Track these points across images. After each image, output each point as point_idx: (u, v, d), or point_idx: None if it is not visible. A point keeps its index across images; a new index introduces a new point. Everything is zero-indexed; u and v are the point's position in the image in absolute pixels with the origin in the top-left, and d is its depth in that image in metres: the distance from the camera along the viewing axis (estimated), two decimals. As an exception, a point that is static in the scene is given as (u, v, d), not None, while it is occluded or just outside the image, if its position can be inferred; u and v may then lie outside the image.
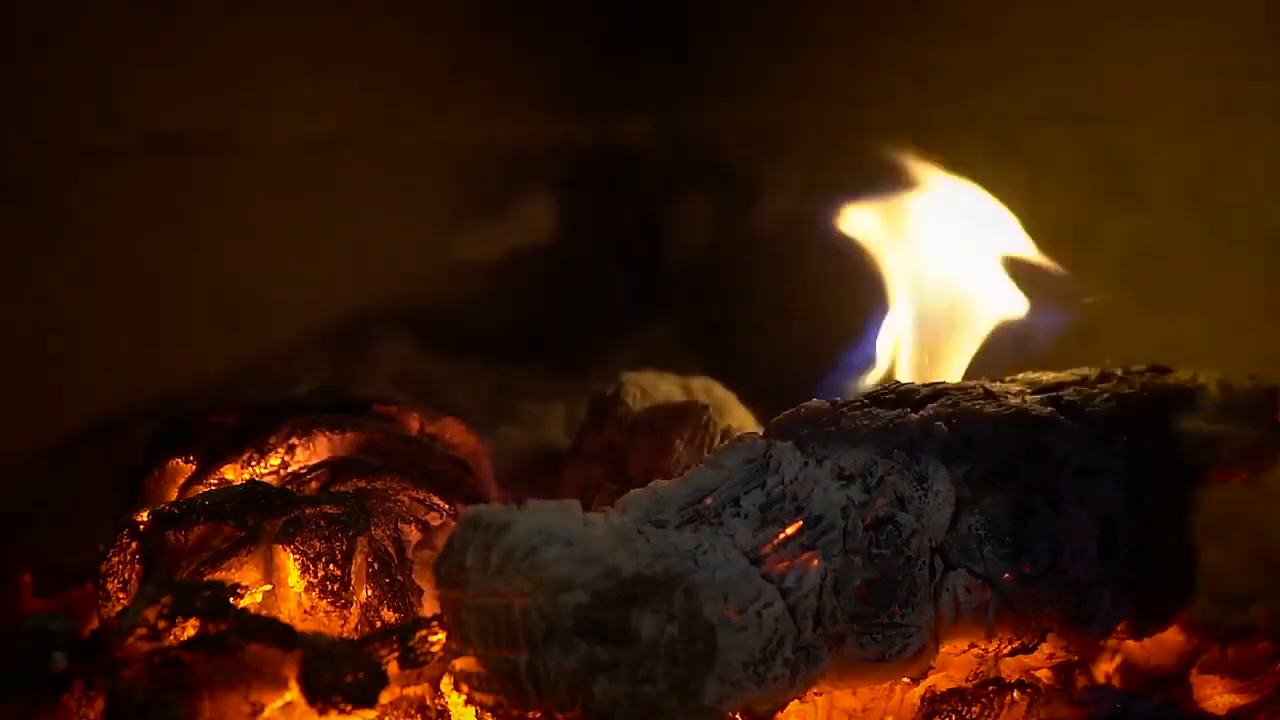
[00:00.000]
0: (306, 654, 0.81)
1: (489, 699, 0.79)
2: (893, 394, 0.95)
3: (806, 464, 0.88)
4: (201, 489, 1.03)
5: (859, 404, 0.94)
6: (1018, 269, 1.18)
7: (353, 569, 0.95)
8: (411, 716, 0.89)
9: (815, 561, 0.83)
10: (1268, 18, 1.37)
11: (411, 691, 0.88)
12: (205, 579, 0.92)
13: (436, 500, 1.03)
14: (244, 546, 0.94)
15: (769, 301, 1.73)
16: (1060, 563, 0.90)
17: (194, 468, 1.05)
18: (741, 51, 1.76)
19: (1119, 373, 0.99)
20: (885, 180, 1.23)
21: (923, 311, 1.17)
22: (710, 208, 1.84)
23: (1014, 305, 1.16)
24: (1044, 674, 0.97)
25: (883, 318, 1.17)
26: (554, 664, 0.76)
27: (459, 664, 0.80)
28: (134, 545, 0.96)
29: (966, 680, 0.94)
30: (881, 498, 0.87)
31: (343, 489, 1.01)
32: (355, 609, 0.95)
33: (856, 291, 1.22)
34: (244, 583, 0.93)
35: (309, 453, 1.05)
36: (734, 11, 1.76)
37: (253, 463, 1.04)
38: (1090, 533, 0.91)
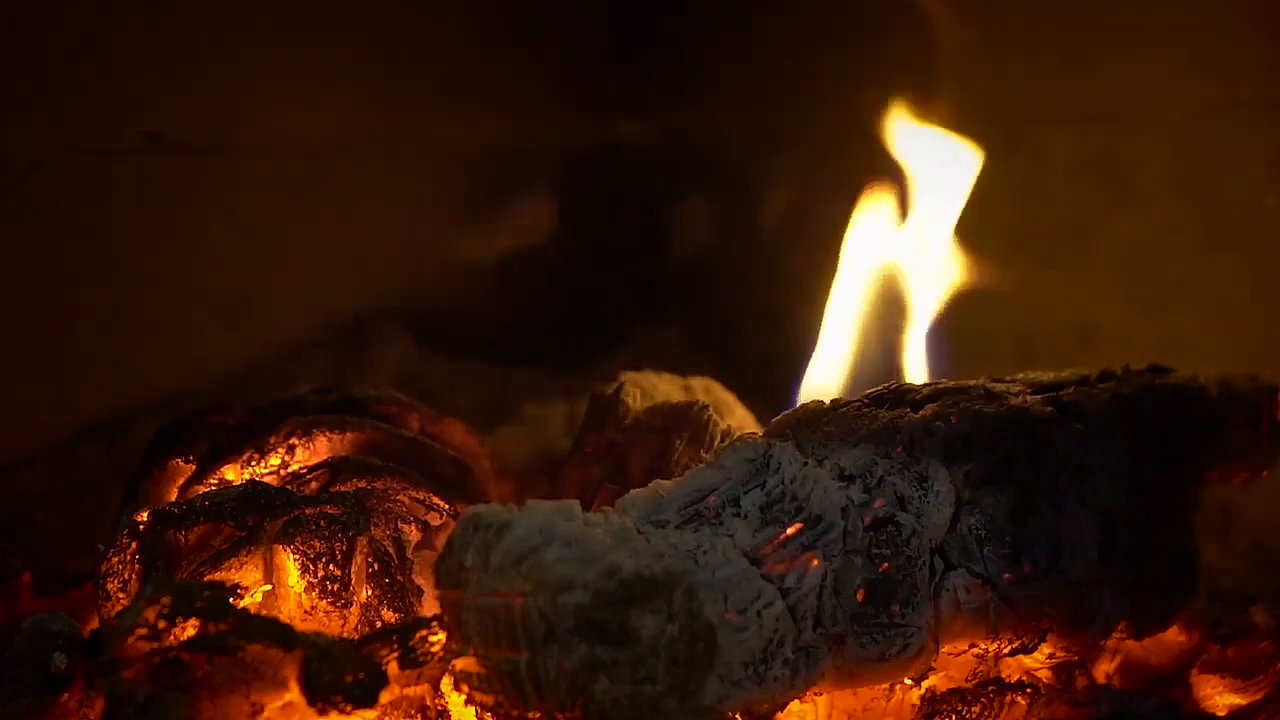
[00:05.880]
0: (306, 654, 0.81)
1: (489, 699, 0.79)
2: (892, 394, 0.95)
3: (806, 464, 0.88)
4: (201, 489, 1.03)
5: (859, 404, 0.94)
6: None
7: (353, 569, 0.95)
8: (411, 716, 0.89)
9: (815, 561, 0.83)
10: (1267, 17, 1.37)
11: (411, 691, 0.88)
12: (205, 579, 0.92)
13: (436, 500, 1.03)
14: (244, 546, 0.94)
15: (769, 301, 1.73)
16: (1060, 562, 0.90)
17: (194, 468, 1.05)
18: (741, 51, 1.76)
19: (1119, 373, 0.99)
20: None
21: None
22: (710, 208, 1.84)
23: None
24: (1044, 674, 0.97)
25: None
26: (554, 664, 0.76)
27: (459, 664, 0.80)
28: (134, 545, 0.96)
29: (966, 680, 0.94)
30: (881, 498, 0.87)
31: (343, 489, 1.01)
32: (355, 609, 0.95)
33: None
34: (244, 583, 0.93)
35: (309, 453, 1.05)
36: (735, 12, 1.76)
37: (253, 463, 1.04)
38: (1090, 533, 0.91)
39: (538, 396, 1.64)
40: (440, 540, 1.00)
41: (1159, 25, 1.43)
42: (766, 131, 1.74)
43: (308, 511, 0.96)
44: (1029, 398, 0.94)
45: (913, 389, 0.95)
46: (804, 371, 1.17)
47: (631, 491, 0.87)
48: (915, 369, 1.16)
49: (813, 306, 1.21)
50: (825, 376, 1.16)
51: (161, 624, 0.82)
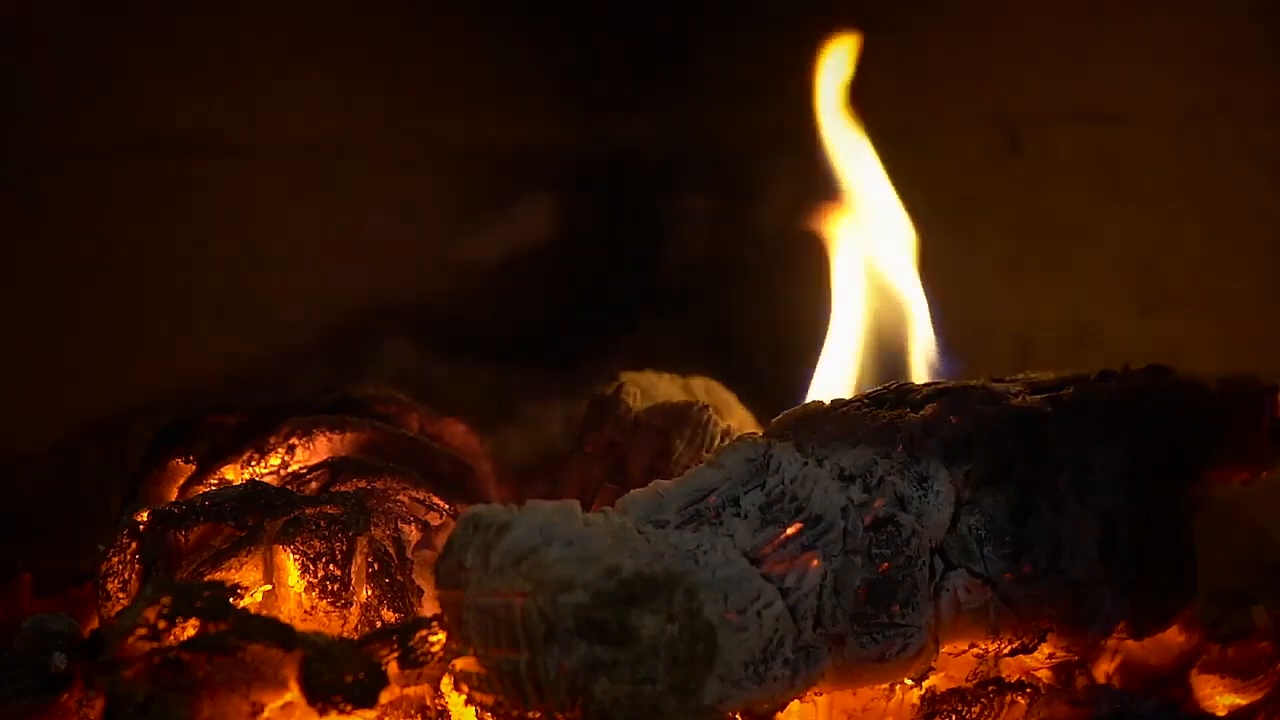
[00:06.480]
0: (306, 654, 0.81)
1: (489, 699, 0.79)
2: (893, 394, 0.95)
3: (806, 464, 0.88)
4: (201, 489, 1.03)
5: (859, 404, 0.94)
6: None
7: (353, 569, 0.95)
8: (411, 716, 0.89)
9: (815, 561, 0.83)
10: (1266, 18, 1.37)
11: (411, 691, 0.88)
12: (205, 579, 0.92)
13: (436, 500, 1.03)
14: (244, 546, 0.94)
15: (769, 301, 1.73)
16: (1060, 562, 0.90)
17: (194, 468, 1.05)
18: (741, 51, 1.76)
19: (1119, 373, 0.99)
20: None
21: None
22: (710, 208, 1.84)
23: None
24: (1044, 674, 0.97)
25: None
26: (554, 664, 0.76)
27: (459, 664, 0.80)
28: (134, 545, 0.96)
29: (966, 680, 0.94)
30: (881, 498, 0.87)
31: (343, 489, 1.01)
32: (355, 609, 0.95)
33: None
34: (244, 583, 0.93)
35: (309, 453, 1.05)
36: (734, 12, 1.76)
37: (253, 463, 1.04)
38: (1090, 533, 0.91)
39: (538, 396, 1.64)
40: (440, 540, 1.00)
41: (1159, 25, 1.43)
42: (766, 131, 1.74)
43: (308, 511, 0.96)
44: (1029, 398, 0.94)
45: (913, 389, 0.95)
46: (810, 376, 1.16)
47: (631, 491, 0.87)
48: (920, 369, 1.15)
49: (813, 306, 1.21)
50: (833, 379, 1.15)
51: (161, 624, 0.81)
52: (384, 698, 0.82)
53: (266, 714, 0.82)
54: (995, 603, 0.89)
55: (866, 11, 1.32)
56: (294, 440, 1.05)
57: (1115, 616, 0.92)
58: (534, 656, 0.76)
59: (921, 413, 0.91)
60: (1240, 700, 1.00)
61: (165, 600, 0.82)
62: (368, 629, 0.94)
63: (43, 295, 1.43)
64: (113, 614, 0.95)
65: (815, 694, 0.88)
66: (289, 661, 0.81)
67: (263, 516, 0.95)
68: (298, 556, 0.94)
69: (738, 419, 1.18)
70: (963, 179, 1.57)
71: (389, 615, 0.96)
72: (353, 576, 0.95)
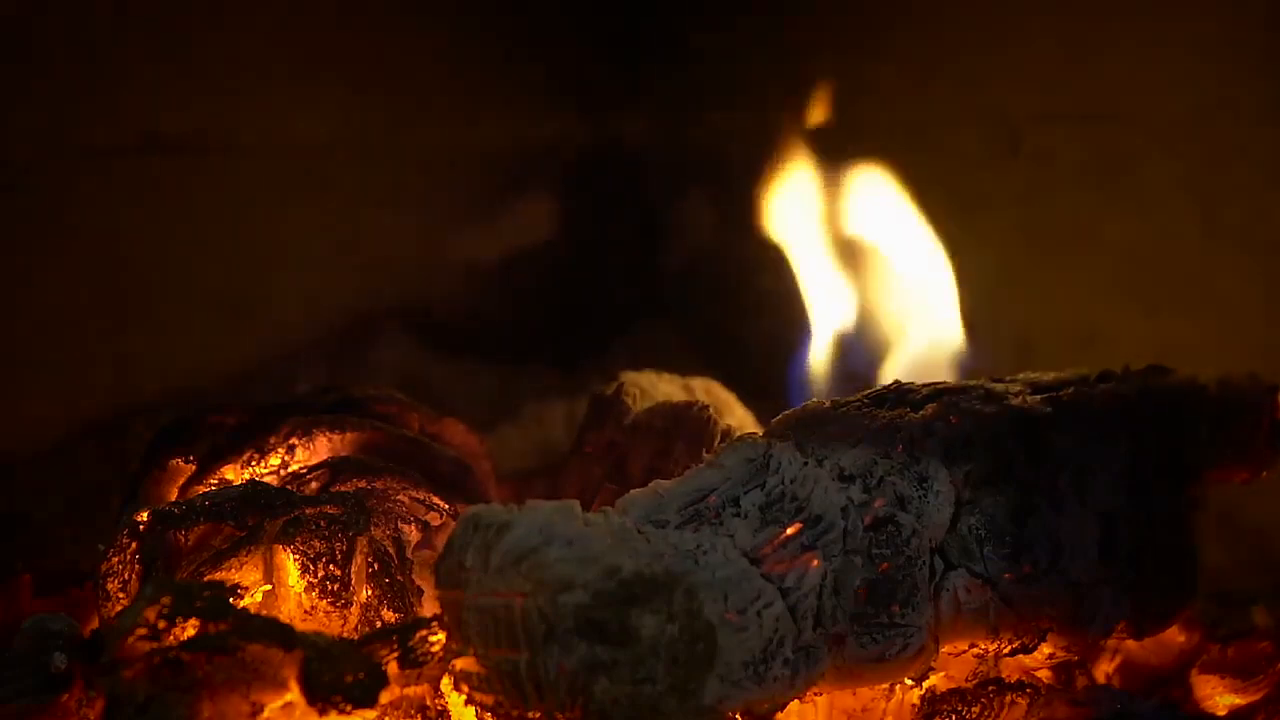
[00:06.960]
0: (306, 654, 0.82)
1: (489, 699, 0.79)
2: (893, 394, 0.95)
3: (806, 464, 0.88)
4: (201, 489, 1.03)
5: (859, 404, 0.94)
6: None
7: (353, 569, 0.95)
8: (411, 716, 0.89)
9: (815, 561, 0.83)
10: (1267, 18, 1.36)
11: (411, 691, 0.88)
12: (205, 579, 0.92)
13: (436, 500, 1.03)
14: (244, 546, 0.94)
15: (768, 301, 1.73)
16: (1060, 562, 0.90)
17: (194, 468, 1.05)
18: (741, 52, 1.76)
19: (1119, 373, 0.99)
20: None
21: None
22: (710, 208, 1.84)
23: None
24: (1044, 674, 0.97)
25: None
26: (554, 664, 0.76)
27: (459, 664, 0.80)
28: (134, 545, 0.96)
29: (966, 680, 0.94)
30: (881, 498, 0.87)
31: (343, 489, 1.01)
32: (355, 609, 0.95)
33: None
34: (244, 583, 0.93)
35: (309, 453, 1.05)
36: (733, 12, 1.76)
37: (253, 463, 1.04)
38: (1090, 533, 0.91)
39: (538, 396, 1.64)
40: (440, 540, 1.00)
41: (1159, 25, 1.42)
42: (765, 131, 1.74)
43: (308, 511, 0.96)
44: (1029, 398, 0.94)
45: (913, 389, 0.95)
46: (800, 363, 1.17)
47: (631, 491, 0.87)
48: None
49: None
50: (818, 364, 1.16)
51: (161, 624, 0.82)
52: (384, 698, 0.82)
53: (266, 714, 0.82)
54: (995, 603, 0.89)
55: (867, 11, 1.33)
56: (294, 440, 1.05)
57: (1115, 616, 0.92)
58: (534, 656, 0.76)
59: (921, 413, 0.91)
60: (1240, 700, 1.00)
61: (165, 600, 0.82)
62: (368, 629, 0.94)
63: (43, 295, 1.43)
64: (113, 614, 0.95)
65: (815, 694, 0.88)
66: (289, 661, 0.81)
67: (263, 516, 0.95)
68: (298, 556, 0.94)
69: (738, 419, 1.18)
70: (963, 178, 1.57)
71: (389, 615, 0.96)
72: (353, 576, 0.95)
